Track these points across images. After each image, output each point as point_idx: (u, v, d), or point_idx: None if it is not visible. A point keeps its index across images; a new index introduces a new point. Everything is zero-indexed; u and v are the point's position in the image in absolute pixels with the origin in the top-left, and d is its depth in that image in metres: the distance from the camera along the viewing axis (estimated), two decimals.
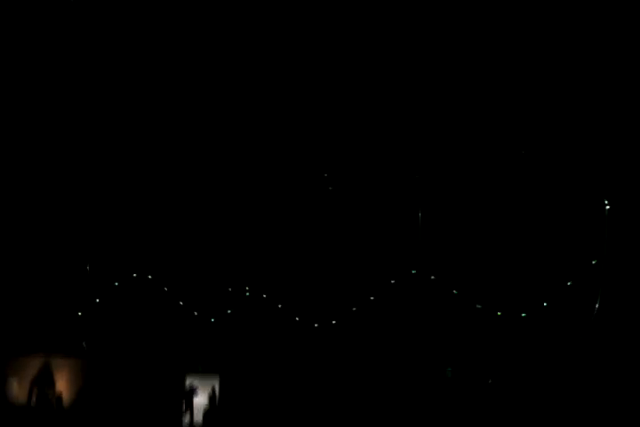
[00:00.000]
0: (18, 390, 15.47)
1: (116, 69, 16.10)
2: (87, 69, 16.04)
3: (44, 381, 15.67)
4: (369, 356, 15.94)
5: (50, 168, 16.60)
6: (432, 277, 15.41)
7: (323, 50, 15.70)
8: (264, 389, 16.12)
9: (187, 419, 15.63)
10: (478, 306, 14.84)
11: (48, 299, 16.43)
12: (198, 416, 15.66)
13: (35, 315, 16.11)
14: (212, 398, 15.93)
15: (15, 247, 16.29)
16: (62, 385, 15.77)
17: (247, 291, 16.90)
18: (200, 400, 15.79)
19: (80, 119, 16.61)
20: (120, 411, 15.50)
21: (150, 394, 15.79)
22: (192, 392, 15.83)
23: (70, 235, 16.76)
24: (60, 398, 15.62)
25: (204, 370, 16.36)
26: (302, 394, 15.85)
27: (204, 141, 16.72)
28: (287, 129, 16.50)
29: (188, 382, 15.93)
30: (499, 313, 14.54)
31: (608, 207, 13.96)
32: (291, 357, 16.44)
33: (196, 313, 16.88)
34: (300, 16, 15.23)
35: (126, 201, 16.99)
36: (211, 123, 16.69)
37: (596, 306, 13.76)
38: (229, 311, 16.96)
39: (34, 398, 15.45)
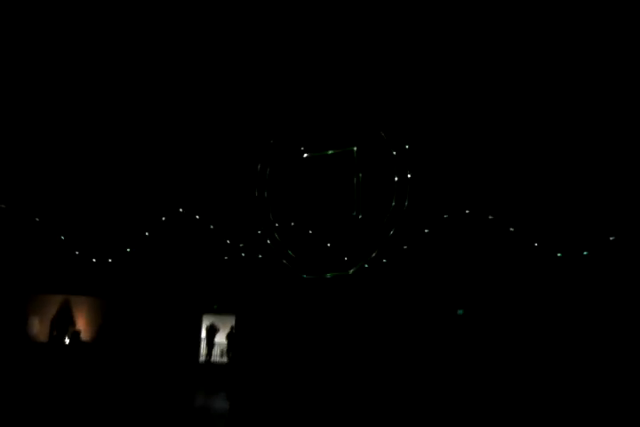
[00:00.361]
0: (39, 327, 15.47)
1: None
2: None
3: (63, 319, 15.72)
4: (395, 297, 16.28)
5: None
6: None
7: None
8: (278, 328, 16.69)
9: (208, 356, 16.33)
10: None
11: (68, 239, 15.96)
12: (218, 353, 16.43)
13: (56, 255, 15.71)
14: (230, 336, 16.56)
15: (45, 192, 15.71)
16: (82, 323, 15.87)
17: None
18: (220, 339, 16.48)
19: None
20: (137, 348, 15.89)
21: (167, 333, 16.17)
22: (213, 331, 16.40)
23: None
24: (79, 335, 15.77)
25: (219, 310, 16.73)
26: (316, 335, 16.44)
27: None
28: None
29: (209, 321, 16.42)
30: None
31: None
32: (305, 297, 16.81)
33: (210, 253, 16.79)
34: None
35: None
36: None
37: None
38: (243, 254, 17.01)
39: (54, 336, 15.54)
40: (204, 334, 17.06)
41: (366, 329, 16.10)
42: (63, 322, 15.70)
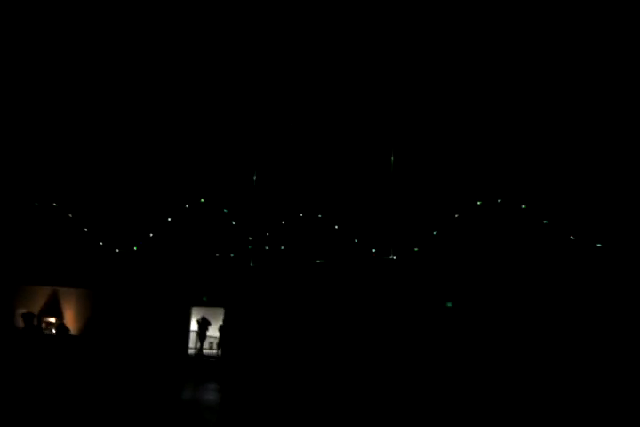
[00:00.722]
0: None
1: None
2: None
3: (51, 310, 15.63)
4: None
5: None
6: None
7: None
8: (267, 321, 16.73)
9: (199, 348, 16.33)
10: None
11: (56, 231, 15.88)
12: (210, 346, 16.43)
13: (44, 247, 15.61)
14: (222, 329, 16.60)
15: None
16: (70, 315, 15.80)
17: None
18: (211, 332, 16.48)
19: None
20: (126, 340, 15.85)
21: (156, 325, 16.15)
22: (205, 324, 16.41)
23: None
24: (67, 327, 15.65)
25: (209, 302, 16.73)
26: (306, 326, 16.47)
27: None
28: None
29: (200, 315, 16.42)
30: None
31: None
32: (294, 289, 16.86)
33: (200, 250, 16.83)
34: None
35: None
36: None
37: None
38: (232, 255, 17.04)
39: (42, 327, 15.43)
40: (195, 327, 17.00)
41: (357, 319, 16.23)
42: (51, 313, 15.61)
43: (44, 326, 15.46)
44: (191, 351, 16.69)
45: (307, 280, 16.77)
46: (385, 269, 16.25)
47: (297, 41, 15.97)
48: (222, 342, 16.45)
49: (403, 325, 15.73)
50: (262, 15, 15.64)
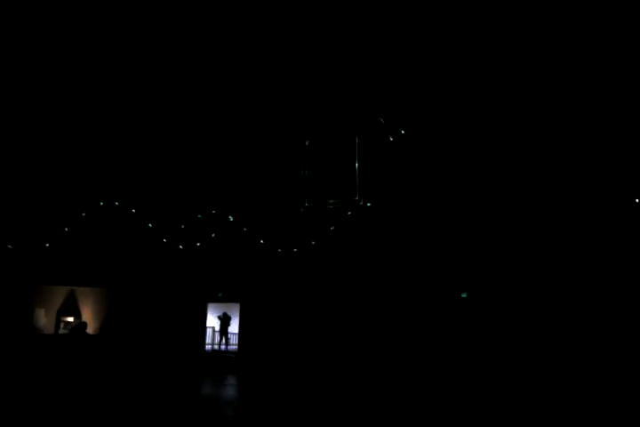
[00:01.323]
0: (45, 319, 15.55)
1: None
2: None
3: (69, 310, 15.79)
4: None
5: None
6: None
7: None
8: (283, 315, 16.74)
9: (222, 344, 16.39)
10: None
11: (73, 230, 16.00)
12: (232, 341, 16.48)
13: (61, 246, 15.75)
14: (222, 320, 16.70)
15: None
16: (87, 314, 15.95)
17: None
18: (233, 327, 16.55)
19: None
20: (143, 339, 15.97)
21: (172, 322, 16.25)
22: (227, 320, 16.46)
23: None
24: (85, 327, 15.80)
25: (224, 298, 16.78)
26: (321, 322, 16.47)
27: None
28: None
29: (221, 311, 16.49)
30: None
31: None
32: (308, 283, 16.84)
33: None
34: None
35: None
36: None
37: None
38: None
39: (60, 327, 15.61)
40: (217, 323, 16.95)
41: (373, 313, 16.20)
42: (69, 313, 15.77)
43: (62, 325, 15.61)
44: (209, 347, 16.72)
45: (321, 272, 16.78)
46: (400, 260, 16.19)
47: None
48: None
49: (424, 317, 15.71)
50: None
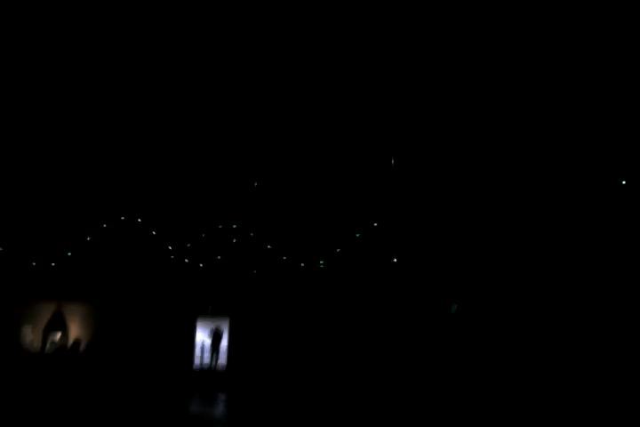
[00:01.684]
0: (32, 336, 15.34)
1: None
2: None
3: (56, 326, 15.58)
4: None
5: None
6: None
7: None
8: (273, 329, 16.61)
9: (213, 360, 16.19)
10: None
11: (59, 246, 15.84)
12: (223, 357, 16.28)
13: (47, 262, 15.58)
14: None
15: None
16: (75, 330, 15.75)
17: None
18: (225, 343, 16.37)
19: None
20: (131, 354, 15.77)
21: (162, 336, 16.07)
22: (219, 335, 16.27)
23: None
24: (73, 342, 15.63)
25: (213, 312, 16.63)
26: (312, 335, 16.35)
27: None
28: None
29: (213, 325, 16.32)
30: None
31: None
32: (299, 298, 16.78)
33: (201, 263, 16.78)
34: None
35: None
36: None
37: None
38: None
39: (48, 344, 15.40)
40: (208, 339, 16.62)
41: (363, 325, 16.16)
42: (56, 329, 15.56)
43: (49, 343, 15.42)
44: (198, 363, 16.49)
45: (311, 286, 16.74)
46: (387, 272, 16.23)
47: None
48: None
49: (409, 330, 15.69)
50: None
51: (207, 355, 16.44)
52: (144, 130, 16.51)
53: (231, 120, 17.02)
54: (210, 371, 16.26)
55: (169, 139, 16.86)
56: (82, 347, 15.64)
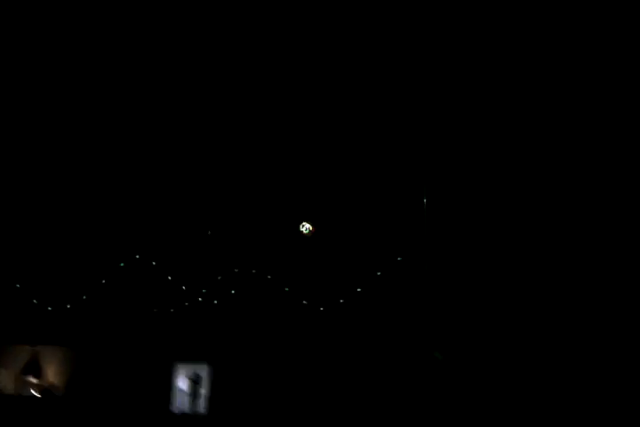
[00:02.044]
0: (7, 380, 15.43)
1: None
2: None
3: (32, 370, 15.64)
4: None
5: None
6: None
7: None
8: (256, 377, 16.16)
9: (193, 406, 15.85)
10: None
11: (35, 290, 16.08)
12: (202, 403, 15.89)
13: (22, 306, 15.81)
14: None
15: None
16: (51, 375, 15.74)
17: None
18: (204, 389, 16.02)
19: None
20: (109, 400, 15.59)
21: (140, 382, 15.85)
22: (198, 381, 15.97)
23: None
24: (48, 387, 15.61)
25: (194, 358, 16.36)
26: (295, 382, 15.82)
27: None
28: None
29: (192, 371, 16.04)
30: None
31: None
32: (281, 346, 16.35)
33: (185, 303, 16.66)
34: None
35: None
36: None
37: None
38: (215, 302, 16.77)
39: (22, 388, 15.43)
40: (186, 385, 16.32)
41: (351, 370, 15.59)
42: (32, 374, 15.60)
43: (25, 385, 15.45)
44: (177, 410, 16.12)
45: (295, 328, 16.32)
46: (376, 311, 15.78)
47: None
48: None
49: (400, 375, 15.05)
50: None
51: (186, 400, 16.12)
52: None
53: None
54: (189, 416, 15.91)
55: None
56: (58, 392, 15.57)
